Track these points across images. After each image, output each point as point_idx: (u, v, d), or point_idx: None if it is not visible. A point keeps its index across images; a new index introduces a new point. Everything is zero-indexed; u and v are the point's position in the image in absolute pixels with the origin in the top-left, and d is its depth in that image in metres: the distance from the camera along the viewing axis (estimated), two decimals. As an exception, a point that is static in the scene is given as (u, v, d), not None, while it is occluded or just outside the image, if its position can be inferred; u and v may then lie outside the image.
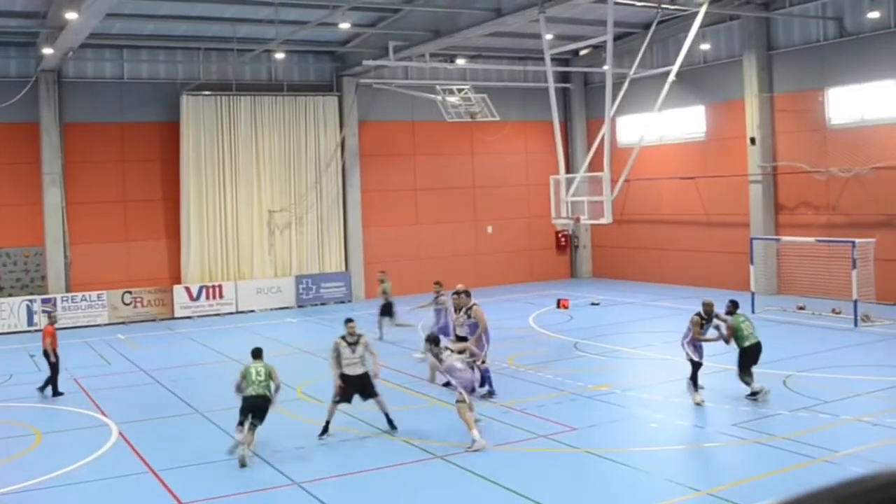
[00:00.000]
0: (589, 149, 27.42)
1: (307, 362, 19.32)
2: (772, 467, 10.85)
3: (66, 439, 13.51)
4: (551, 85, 21.36)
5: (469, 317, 15.36)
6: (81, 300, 25.87)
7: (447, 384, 13.38)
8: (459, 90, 28.79)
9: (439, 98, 28.54)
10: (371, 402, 13.11)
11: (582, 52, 31.75)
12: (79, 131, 27.01)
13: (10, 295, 25.84)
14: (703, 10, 22.02)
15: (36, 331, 24.70)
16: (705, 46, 28.54)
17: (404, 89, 29.94)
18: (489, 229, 32.85)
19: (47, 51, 23.19)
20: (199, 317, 26.99)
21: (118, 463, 12.05)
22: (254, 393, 12.04)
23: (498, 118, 29.23)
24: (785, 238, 25.53)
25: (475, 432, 12.07)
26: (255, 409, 11.97)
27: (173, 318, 26.74)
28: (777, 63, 26.71)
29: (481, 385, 14.91)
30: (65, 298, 25.70)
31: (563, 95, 33.43)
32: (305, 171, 29.61)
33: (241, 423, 11.98)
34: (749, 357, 14.34)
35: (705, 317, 14.62)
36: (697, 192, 29.50)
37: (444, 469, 11.29)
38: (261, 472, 11.41)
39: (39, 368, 19.34)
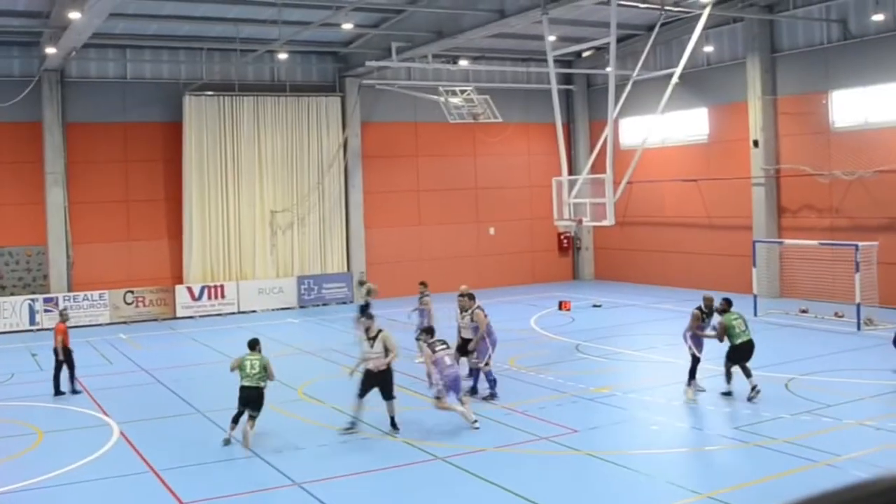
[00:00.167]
0: (592, 151, 27.41)
1: (308, 363, 19.33)
2: (773, 471, 10.82)
3: (67, 438, 13.50)
4: (554, 86, 21.34)
5: (472, 320, 15.41)
6: (83, 300, 25.88)
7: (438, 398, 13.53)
8: (462, 91, 28.82)
9: (442, 99, 28.57)
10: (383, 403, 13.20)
11: (585, 54, 31.74)
12: (82, 131, 27.04)
13: (12, 294, 25.87)
14: (706, 12, 22.01)
15: (38, 330, 24.80)
16: (709, 48, 28.53)
17: (407, 90, 29.95)
18: (491, 231, 32.84)
19: (50, 50, 23.21)
20: (200, 317, 27.01)
21: (119, 462, 12.05)
22: (248, 384, 12.54)
23: (500, 119, 29.26)
24: (788, 241, 25.50)
25: (463, 410, 12.89)
26: (249, 400, 12.49)
27: (175, 318, 26.74)
28: (780, 65, 26.68)
29: (473, 389, 15.00)
30: (67, 298, 25.70)
31: (566, 97, 33.42)
32: (308, 171, 29.61)
33: (236, 417, 12.54)
34: (740, 354, 14.47)
35: (706, 311, 14.96)
36: (700, 194, 29.47)
37: (445, 470, 11.27)
38: (261, 472, 11.40)
39: (41, 367, 19.38)
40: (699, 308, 15.07)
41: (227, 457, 12.13)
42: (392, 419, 13.05)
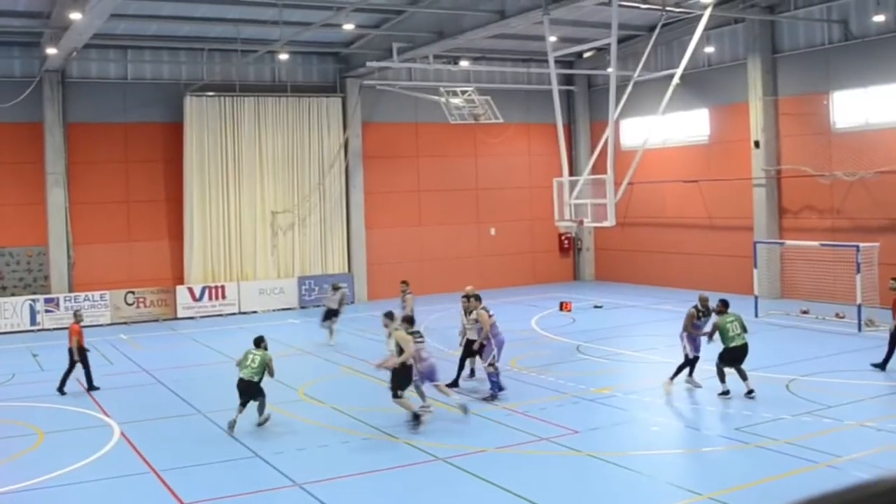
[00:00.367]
0: (592, 151, 27.40)
1: (309, 363, 19.34)
2: (774, 472, 10.82)
3: (68, 439, 13.50)
4: (555, 87, 21.35)
5: (476, 321, 15.43)
6: (84, 300, 25.87)
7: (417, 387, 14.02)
8: (463, 92, 28.82)
9: (443, 100, 28.57)
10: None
11: (586, 55, 31.74)
12: (82, 131, 27.05)
13: (13, 294, 25.87)
14: (707, 12, 22.00)
15: (39, 330, 24.83)
16: (709, 49, 28.52)
17: (408, 91, 29.96)
18: (492, 231, 32.84)
19: (51, 51, 23.22)
20: (201, 317, 27.01)
21: (120, 463, 12.05)
22: (242, 376, 13.47)
23: (501, 120, 29.27)
24: (789, 242, 25.49)
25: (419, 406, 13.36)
26: (243, 391, 13.43)
27: (176, 319, 26.74)
28: (781, 66, 26.67)
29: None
30: (68, 298, 25.72)
31: (567, 98, 33.43)
32: (309, 172, 29.62)
33: (241, 405, 13.42)
34: (732, 357, 14.49)
35: (702, 310, 15.02)
36: (701, 195, 29.47)
37: (446, 471, 11.27)
38: (262, 473, 11.41)
39: (42, 368, 19.40)
40: (695, 307, 15.21)
41: (228, 457, 12.14)
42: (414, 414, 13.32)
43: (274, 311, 27.97)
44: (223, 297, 27.73)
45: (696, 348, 15.21)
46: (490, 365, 15.15)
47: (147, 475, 11.45)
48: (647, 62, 26.05)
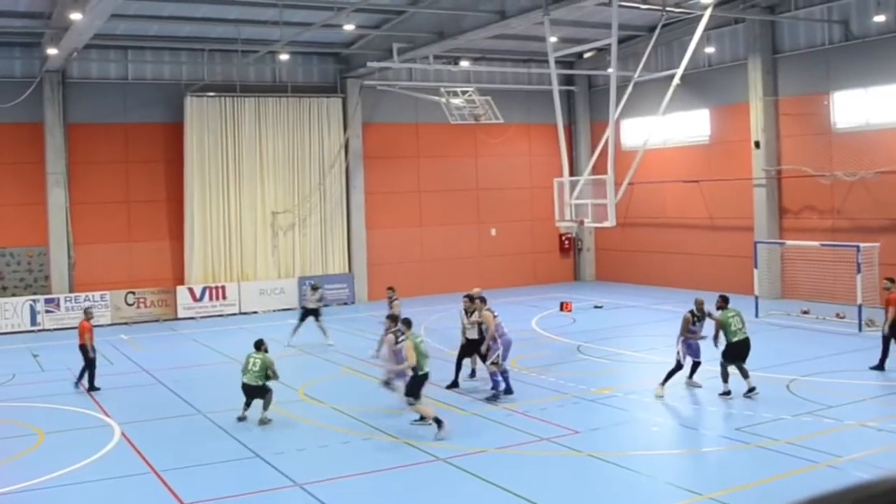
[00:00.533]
0: (593, 152, 27.38)
1: (309, 363, 19.33)
2: (774, 472, 10.82)
3: (69, 439, 13.50)
4: (555, 87, 21.35)
5: (478, 322, 15.40)
6: (85, 300, 25.84)
7: (387, 383, 14.30)
8: (463, 92, 28.82)
9: (443, 100, 28.57)
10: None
11: (586, 55, 31.73)
12: (83, 132, 27.05)
13: (13, 295, 25.88)
14: (707, 13, 21.99)
15: (39, 331, 24.83)
16: (710, 50, 28.51)
17: (408, 91, 29.95)
18: (493, 232, 32.83)
19: (52, 51, 23.22)
20: (202, 318, 27.01)
21: (120, 463, 12.06)
22: (245, 381, 13.87)
23: (502, 120, 29.26)
24: (789, 242, 25.49)
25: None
26: (248, 393, 13.89)
27: (176, 319, 26.74)
28: (782, 67, 26.66)
29: (507, 390, 15.15)
30: (68, 298, 25.72)
31: (567, 98, 33.42)
32: (309, 172, 29.61)
33: (245, 404, 13.93)
34: (736, 352, 14.49)
35: (697, 314, 15.00)
36: (701, 195, 29.46)
37: (446, 471, 11.27)
38: (262, 473, 11.41)
39: (42, 368, 19.40)
40: (690, 312, 15.17)
41: (229, 457, 12.14)
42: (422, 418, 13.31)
43: (274, 311, 27.96)
44: (224, 297, 27.73)
45: (696, 353, 15.18)
46: (493, 364, 15.11)
47: (147, 475, 11.45)
48: (648, 62, 26.04)
